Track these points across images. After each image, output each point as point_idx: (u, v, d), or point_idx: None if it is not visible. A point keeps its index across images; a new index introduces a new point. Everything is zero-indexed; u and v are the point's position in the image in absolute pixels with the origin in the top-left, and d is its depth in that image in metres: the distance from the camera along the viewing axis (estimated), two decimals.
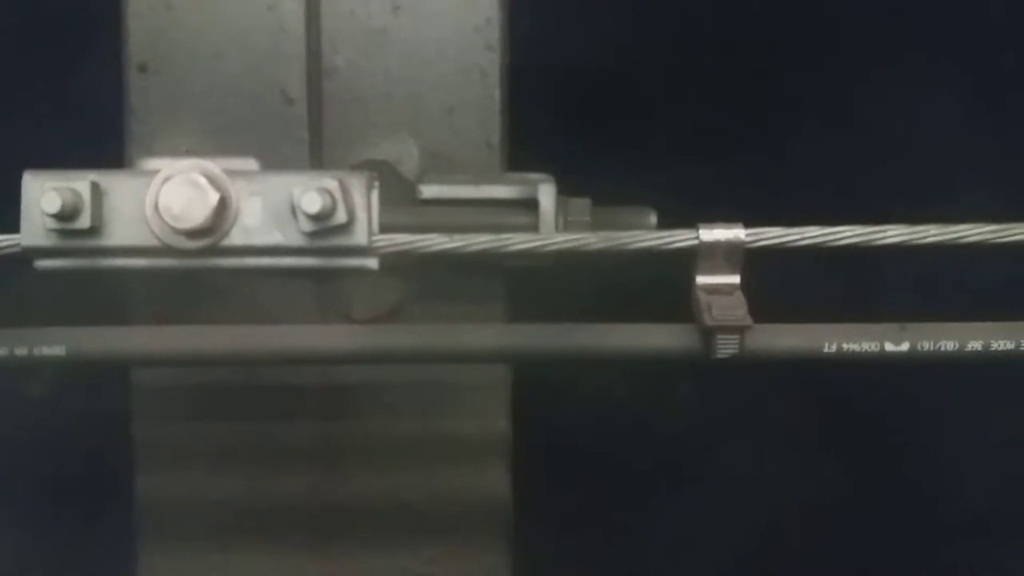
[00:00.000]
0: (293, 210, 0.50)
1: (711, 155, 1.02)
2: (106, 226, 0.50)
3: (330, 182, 0.50)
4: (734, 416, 1.11)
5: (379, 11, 0.61)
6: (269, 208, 0.50)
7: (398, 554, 0.65)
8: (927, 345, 0.51)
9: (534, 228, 0.58)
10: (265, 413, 0.64)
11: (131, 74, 0.61)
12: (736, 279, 0.51)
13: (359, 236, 0.50)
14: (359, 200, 0.50)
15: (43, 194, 0.49)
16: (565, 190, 0.59)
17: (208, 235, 0.50)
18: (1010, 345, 0.51)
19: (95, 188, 0.50)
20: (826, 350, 0.51)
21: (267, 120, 0.61)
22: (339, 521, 0.65)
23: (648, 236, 0.52)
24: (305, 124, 0.61)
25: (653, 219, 0.58)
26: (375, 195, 0.51)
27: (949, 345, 0.51)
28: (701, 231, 0.51)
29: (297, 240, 0.50)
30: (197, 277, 0.59)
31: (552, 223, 0.58)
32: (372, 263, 0.52)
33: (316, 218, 0.50)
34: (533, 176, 0.60)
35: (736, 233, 0.51)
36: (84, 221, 0.50)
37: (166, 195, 0.50)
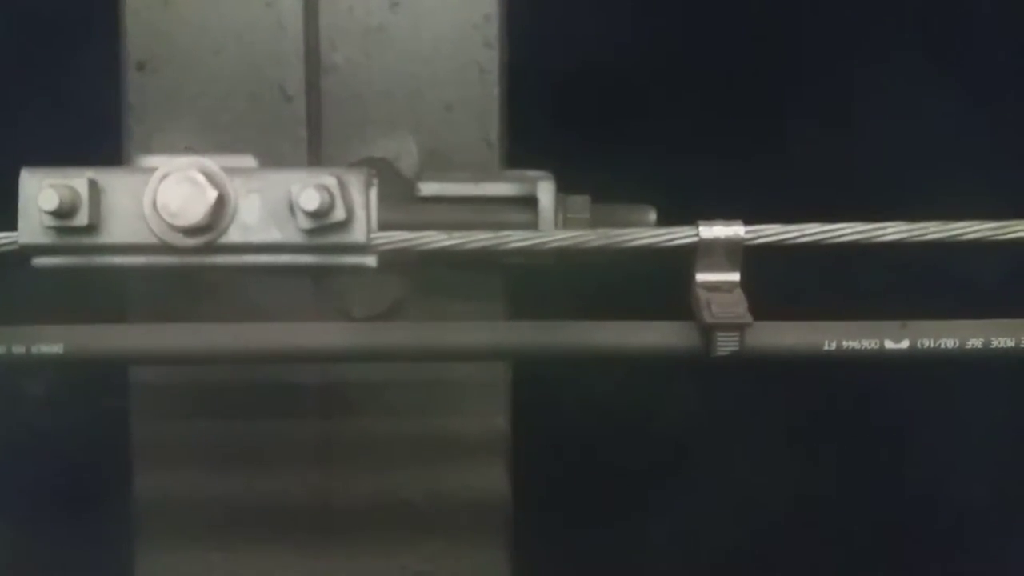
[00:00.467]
0: (291, 207, 0.50)
1: (711, 152, 1.02)
2: (104, 224, 0.50)
3: (328, 179, 0.50)
4: (733, 414, 1.11)
5: (377, 8, 0.61)
6: (267, 205, 0.50)
7: (397, 552, 0.65)
8: (927, 343, 0.51)
9: (533, 225, 0.58)
10: (264, 411, 0.64)
11: (129, 72, 0.61)
12: (736, 276, 0.51)
13: (357, 233, 0.50)
14: (357, 197, 0.50)
15: (41, 191, 0.49)
16: (564, 187, 0.59)
17: (206, 232, 0.50)
18: (1010, 343, 0.51)
19: (93, 185, 0.50)
20: (826, 348, 0.51)
21: (265, 117, 0.61)
22: (338, 519, 0.64)
23: (648, 233, 0.51)
24: (303, 121, 0.61)
25: (653, 216, 0.58)
26: (374, 192, 0.51)
27: (949, 343, 0.51)
28: (701, 228, 0.51)
29: (295, 237, 0.50)
30: (195, 275, 0.59)
31: (551, 220, 0.58)
32: (371, 261, 0.51)
33: (314, 215, 0.49)
34: (532, 173, 0.60)
35: (736, 230, 0.51)
36: (82, 218, 0.49)
37: (164, 192, 0.50)
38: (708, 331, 0.50)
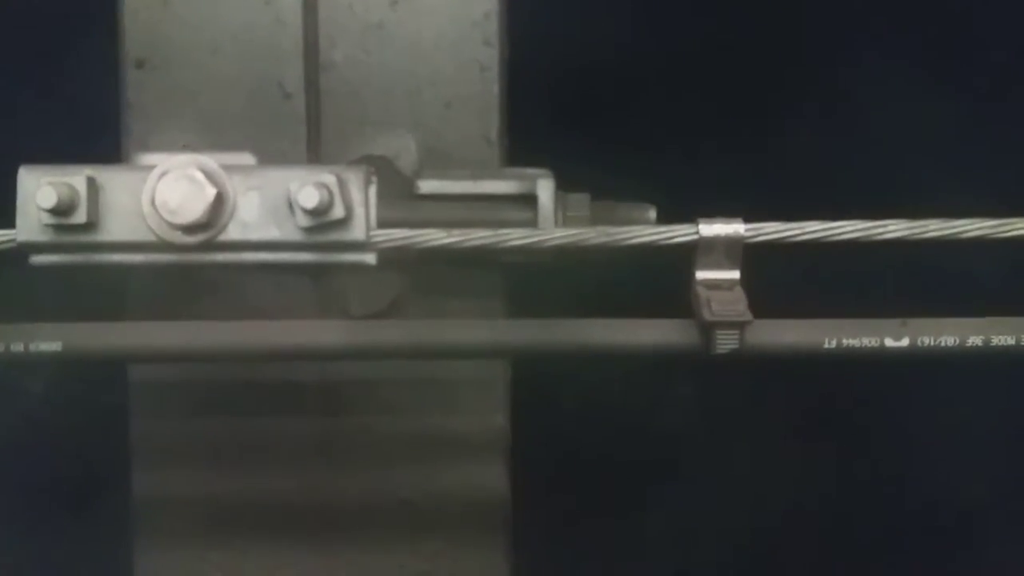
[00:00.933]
0: (290, 205, 0.50)
1: (711, 150, 1.02)
2: (102, 221, 0.50)
3: (327, 177, 0.50)
4: (732, 413, 1.11)
5: (377, 5, 0.61)
6: (266, 203, 0.50)
7: (396, 551, 0.65)
8: (927, 341, 0.51)
9: (533, 224, 0.58)
10: (262, 409, 0.64)
11: (128, 69, 0.61)
12: (736, 274, 0.51)
13: (356, 231, 0.50)
14: (356, 195, 0.50)
15: (39, 189, 0.49)
16: (564, 185, 0.59)
17: (205, 230, 0.50)
18: (1011, 340, 0.50)
19: (91, 183, 0.49)
20: (826, 346, 0.51)
21: (264, 115, 0.61)
22: (337, 518, 0.64)
23: (647, 231, 0.51)
24: (303, 119, 0.61)
25: (652, 214, 0.58)
26: (373, 190, 0.51)
27: (949, 340, 0.51)
28: (701, 226, 0.51)
29: (294, 235, 0.50)
30: (194, 272, 0.59)
31: (551, 218, 0.58)
32: (370, 258, 0.51)
33: (313, 213, 0.49)
34: (532, 171, 0.60)
35: (736, 228, 0.51)
36: (80, 216, 0.49)
37: (163, 190, 0.49)
38: (708, 329, 0.50)
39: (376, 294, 0.61)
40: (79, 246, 0.50)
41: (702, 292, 0.51)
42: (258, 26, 0.61)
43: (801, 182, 0.99)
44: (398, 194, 0.59)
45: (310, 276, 0.61)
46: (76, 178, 0.49)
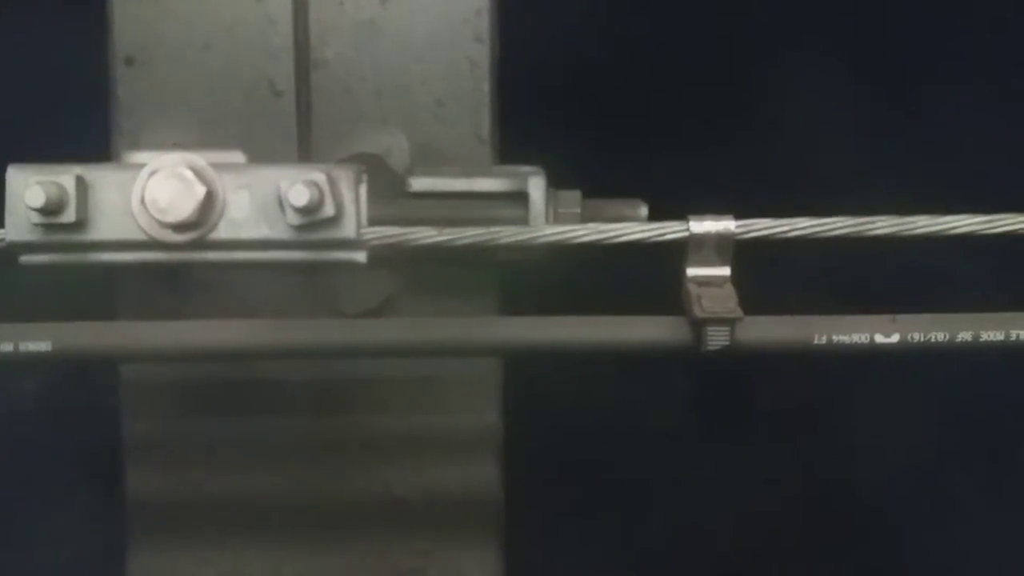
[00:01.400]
0: (280, 203, 0.50)
1: (702, 147, 1.02)
2: (92, 220, 0.50)
3: (318, 175, 0.50)
4: (727, 412, 1.11)
5: (368, 3, 0.61)
6: (256, 201, 0.50)
7: (389, 549, 0.65)
8: (917, 336, 0.51)
9: (524, 221, 0.58)
10: (254, 408, 0.64)
11: (118, 67, 0.60)
12: (726, 271, 0.51)
13: (347, 229, 0.50)
14: (347, 193, 0.50)
15: (27, 188, 0.48)
16: (555, 183, 0.59)
17: (195, 229, 0.50)
18: (1000, 336, 0.51)
19: (80, 182, 0.49)
20: (816, 342, 0.51)
21: (255, 113, 0.61)
22: (330, 516, 0.64)
23: (638, 228, 0.51)
24: (293, 117, 0.61)
25: (644, 211, 0.58)
26: (363, 188, 0.51)
27: (939, 336, 0.51)
28: (691, 223, 0.51)
29: (285, 233, 0.50)
30: (184, 271, 0.59)
31: (542, 216, 0.58)
32: (361, 256, 0.51)
33: (304, 211, 0.49)
34: (523, 169, 0.60)
35: (726, 225, 0.51)
36: (69, 215, 0.49)
37: (152, 189, 0.49)
38: (699, 325, 0.50)
39: (368, 292, 0.61)
40: (68, 245, 0.50)
41: (693, 289, 0.51)
42: (249, 23, 0.61)
43: (793, 178, 0.99)
44: (389, 192, 0.59)
45: (301, 275, 0.61)
46: (65, 177, 0.49)
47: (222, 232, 0.50)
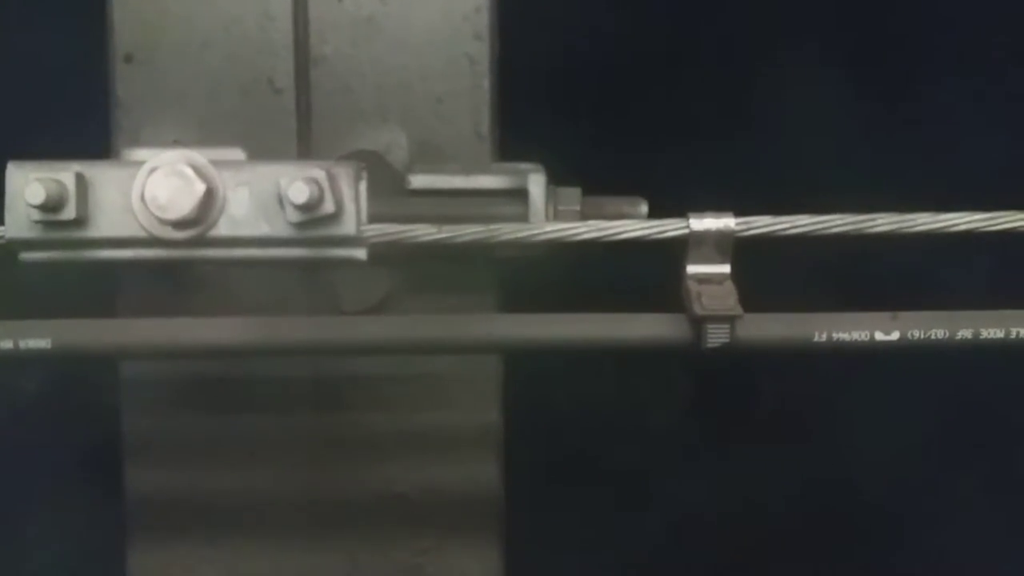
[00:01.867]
0: (280, 200, 0.50)
1: (702, 144, 1.02)
2: (92, 217, 0.50)
3: (317, 172, 0.49)
4: (724, 410, 1.11)
5: (367, 0, 0.61)
6: (256, 198, 0.50)
7: (390, 546, 0.65)
8: (917, 334, 0.51)
9: (524, 218, 0.58)
10: (255, 406, 0.64)
11: (117, 64, 0.60)
12: (726, 268, 0.51)
13: (347, 226, 0.50)
14: (347, 190, 0.50)
15: (27, 185, 0.48)
16: (555, 180, 0.59)
17: (195, 226, 0.50)
18: (1000, 334, 0.51)
19: (80, 179, 0.49)
20: (816, 339, 0.51)
21: (254, 110, 0.61)
22: (330, 514, 0.64)
23: (638, 226, 0.51)
24: (293, 114, 0.61)
25: (644, 208, 0.58)
26: (363, 185, 0.51)
27: (939, 334, 0.51)
28: (691, 220, 0.51)
29: (285, 231, 0.50)
30: (184, 268, 0.59)
31: (542, 213, 0.58)
32: (361, 254, 0.51)
33: (303, 208, 0.49)
34: (523, 166, 0.60)
35: (726, 222, 0.51)
36: (69, 212, 0.49)
37: (152, 186, 0.49)
38: (699, 323, 0.50)
39: (367, 289, 0.61)
40: (68, 243, 0.50)
41: (693, 286, 0.51)
42: (248, 21, 0.61)
43: (794, 175, 0.99)
44: (389, 189, 0.59)
45: (301, 272, 0.61)
46: (65, 174, 0.49)
47: (222, 229, 0.50)
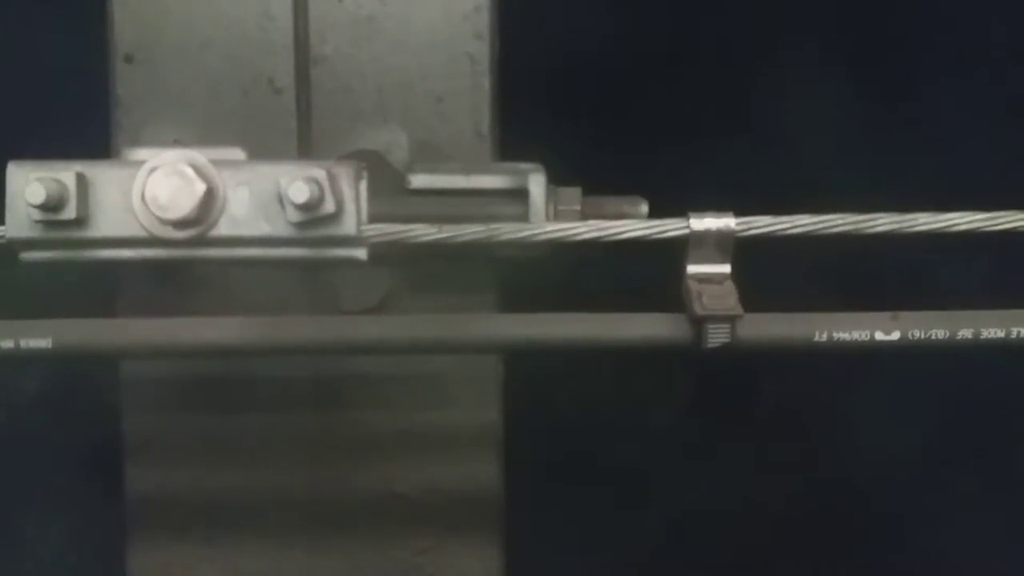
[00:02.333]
0: (280, 200, 0.50)
1: (703, 144, 1.02)
2: (92, 217, 0.50)
3: (318, 172, 0.49)
4: (724, 409, 1.11)
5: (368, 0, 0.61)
6: (256, 198, 0.50)
7: (389, 546, 0.65)
8: (918, 334, 0.51)
9: (524, 218, 0.58)
10: (255, 405, 0.64)
11: (117, 64, 0.60)
12: (727, 268, 0.51)
13: (347, 226, 0.50)
14: (347, 190, 0.50)
15: (28, 185, 0.48)
16: (555, 179, 0.59)
17: (195, 225, 0.50)
18: (1000, 333, 0.51)
19: (80, 179, 0.49)
20: (817, 339, 0.51)
21: (255, 110, 0.61)
22: (330, 513, 0.64)
23: (638, 225, 0.51)
24: (293, 114, 0.61)
25: (644, 208, 0.58)
26: (363, 185, 0.51)
27: (940, 334, 0.51)
28: (692, 220, 0.51)
29: (285, 230, 0.50)
30: (185, 268, 0.59)
31: (542, 213, 0.58)
32: (361, 253, 0.51)
33: (304, 208, 0.49)
34: (523, 166, 0.60)
35: (727, 222, 0.51)
36: (70, 212, 0.49)
37: (152, 185, 0.49)
38: (699, 323, 0.50)
39: (368, 289, 0.61)
40: (69, 242, 0.50)
41: (693, 286, 0.51)
42: (248, 21, 0.61)
43: (795, 174, 0.99)
44: (389, 189, 0.58)
45: (301, 271, 0.61)
46: (65, 174, 0.49)
47: (222, 229, 0.50)
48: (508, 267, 0.61)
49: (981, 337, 0.51)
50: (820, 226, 0.51)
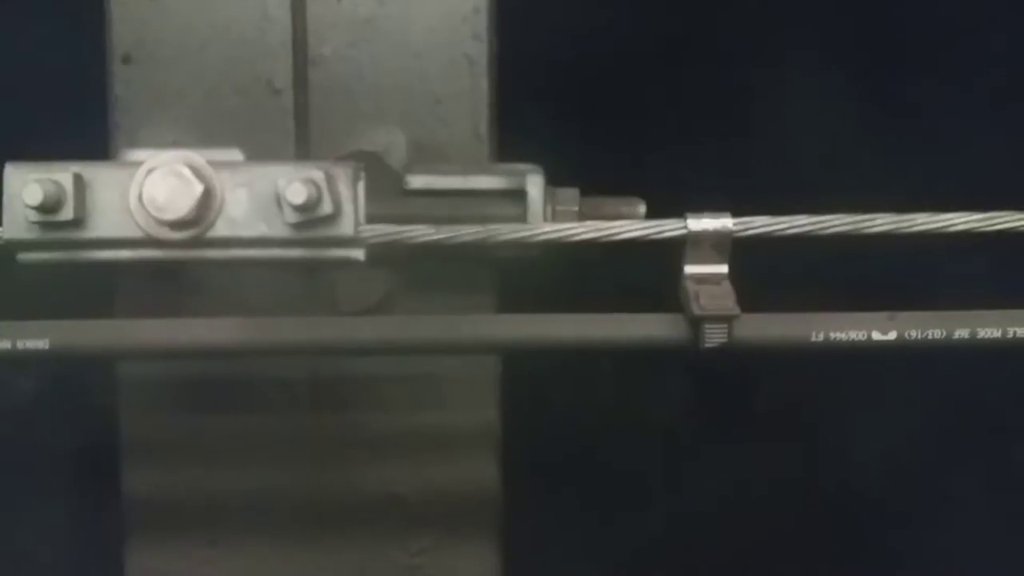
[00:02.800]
0: (278, 201, 0.50)
1: (700, 144, 1.02)
2: (90, 218, 0.50)
3: (315, 173, 0.50)
4: (722, 408, 1.11)
5: (366, 0, 0.61)
6: (254, 199, 0.50)
7: (387, 546, 0.65)
8: (914, 334, 0.51)
9: (522, 218, 0.58)
10: (252, 406, 0.64)
11: (115, 64, 0.60)
12: (724, 268, 0.51)
13: (345, 227, 0.50)
14: (345, 191, 0.50)
15: (25, 186, 0.48)
16: (553, 180, 0.59)
17: (193, 226, 0.50)
18: (996, 333, 0.51)
19: (78, 180, 0.49)
20: (813, 339, 0.51)
21: (253, 111, 0.61)
22: (328, 514, 0.64)
23: (636, 226, 0.51)
24: (291, 114, 0.61)
25: (642, 209, 0.58)
26: (361, 186, 0.51)
27: (936, 334, 0.51)
28: (689, 220, 0.51)
29: (283, 231, 0.50)
30: (182, 269, 0.59)
31: (540, 213, 0.58)
32: (359, 254, 0.51)
33: (301, 209, 0.49)
34: (521, 166, 0.60)
35: (724, 222, 0.51)
36: (67, 213, 0.49)
37: (150, 186, 0.49)
38: (696, 323, 0.50)
39: (365, 290, 0.61)
40: (66, 243, 0.50)
41: (690, 286, 0.51)
42: (246, 21, 0.61)
43: (792, 175, 0.99)
44: (387, 190, 0.59)
45: (299, 272, 0.61)
46: (63, 175, 0.49)
47: (220, 230, 0.50)
48: (506, 268, 0.61)
49: (978, 337, 0.51)
50: (818, 226, 0.51)
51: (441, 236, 0.51)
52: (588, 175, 0.60)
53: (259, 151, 0.58)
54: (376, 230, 0.51)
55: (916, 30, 1.07)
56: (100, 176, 0.50)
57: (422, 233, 0.51)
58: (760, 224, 0.51)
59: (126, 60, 0.60)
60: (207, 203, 0.50)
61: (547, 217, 0.58)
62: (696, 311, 0.50)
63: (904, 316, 0.51)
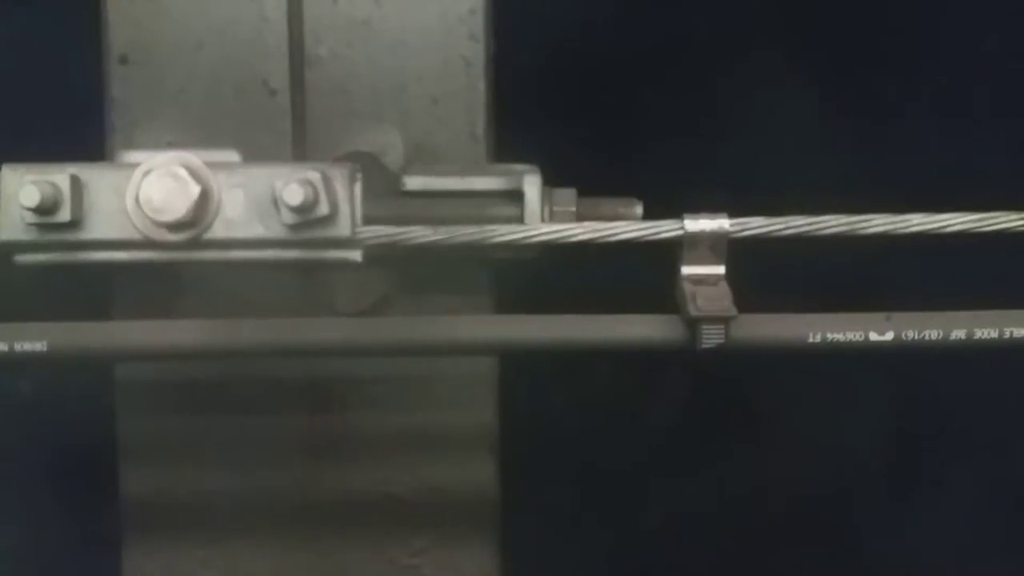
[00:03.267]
0: (275, 202, 0.50)
1: (697, 145, 1.02)
2: (86, 220, 0.50)
3: (312, 174, 0.50)
4: (721, 408, 1.11)
5: (362, 1, 0.61)
6: (251, 200, 0.50)
7: (385, 547, 0.65)
8: (912, 334, 0.51)
9: (519, 219, 0.58)
10: (250, 407, 0.64)
11: (112, 65, 0.60)
12: (721, 269, 0.51)
13: (342, 228, 0.50)
14: (342, 192, 0.50)
15: (21, 188, 0.48)
16: (550, 181, 0.59)
17: (190, 228, 0.50)
18: (994, 334, 0.51)
19: (75, 181, 0.49)
20: (811, 340, 0.51)
21: (249, 111, 0.61)
22: (326, 515, 0.64)
23: (633, 227, 0.51)
24: (288, 115, 0.61)
25: (639, 209, 0.58)
26: (358, 187, 0.51)
27: (933, 334, 0.51)
28: (686, 221, 0.51)
29: (280, 232, 0.50)
30: (179, 270, 0.59)
31: (537, 214, 0.58)
32: (356, 255, 0.51)
33: (298, 210, 0.49)
34: (518, 167, 0.60)
35: (721, 223, 0.51)
36: (64, 215, 0.49)
37: (147, 188, 0.49)
38: (693, 324, 0.50)
39: (363, 291, 0.61)
40: (63, 245, 0.50)
41: (687, 287, 0.51)
42: (243, 22, 0.61)
43: (790, 176, 0.99)
44: (384, 191, 0.59)
45: (296, 274, 0.61)
46: (59, 176, 0.49)
47: (217, 231, 0.50)
48: (503, 269, 0.61)
49: (975, 337, 0.51)
50: (814, 227, 0.51)
51: (438, 237, 0.51)
52: (585, 176, 0.60)
53: (256, 152, 0.58)
54: (373, 231, 0.51)
55: (916, 30, 1.07)
56: (97, 177, 0.50)
57: (419, 234, 0.51)
58: (757, 225, 0.51)
59: (123, 61, 0.60)
60: (204, 204, 0.50)
61: (544, 218, 0.58)
62: (693, 312, 0.50)
63: (901, 317, 0.51)
